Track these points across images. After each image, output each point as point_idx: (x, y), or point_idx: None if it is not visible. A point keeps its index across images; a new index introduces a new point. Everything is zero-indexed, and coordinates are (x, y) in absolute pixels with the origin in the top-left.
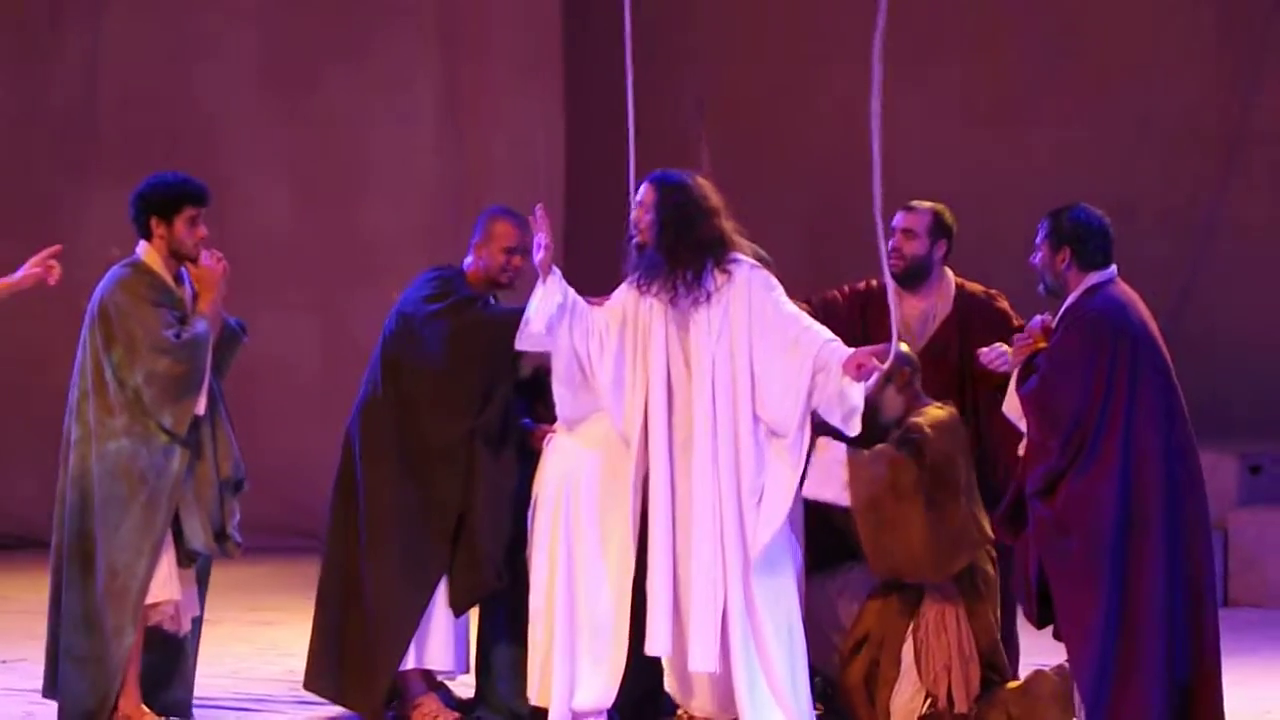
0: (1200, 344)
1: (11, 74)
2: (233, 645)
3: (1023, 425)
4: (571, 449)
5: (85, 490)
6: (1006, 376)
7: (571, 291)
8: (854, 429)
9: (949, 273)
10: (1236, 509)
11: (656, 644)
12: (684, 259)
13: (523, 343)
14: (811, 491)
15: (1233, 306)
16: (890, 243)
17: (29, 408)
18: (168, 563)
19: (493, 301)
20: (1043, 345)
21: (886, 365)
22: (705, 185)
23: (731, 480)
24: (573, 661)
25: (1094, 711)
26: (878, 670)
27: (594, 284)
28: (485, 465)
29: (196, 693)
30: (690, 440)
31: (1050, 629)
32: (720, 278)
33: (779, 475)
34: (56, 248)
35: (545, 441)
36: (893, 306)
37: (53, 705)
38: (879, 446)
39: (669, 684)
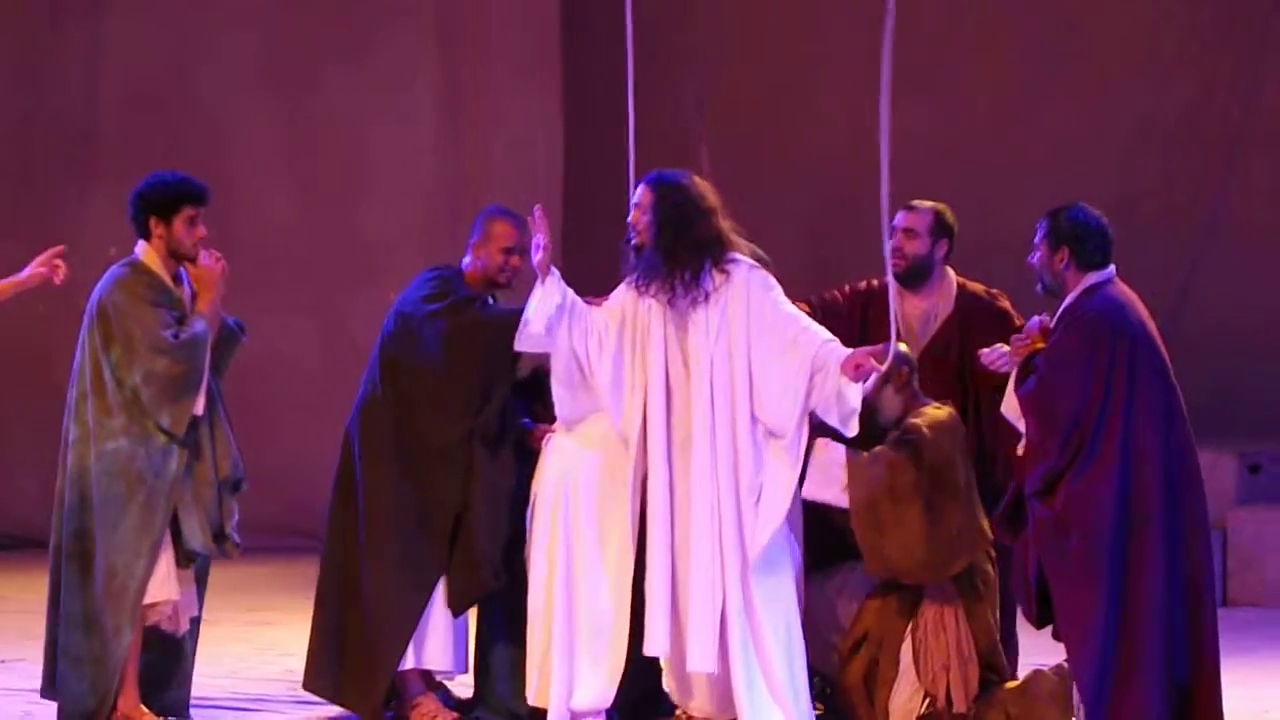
0: (1199, 343)
1: (11, 74)
2: (231, 645)
3: (1021, 426)
4: (570, 449)
5: (84, 490)
6: (1007, 376)
7: (570, 292)
8: (852, 430)
9: (950, 272)
10: (1235, 508)
11: (655, 644)
12: (682, 259)
13: (522, 343)
14: (811, 492)
15: (1232, 306)
16: (891, 242)
17: (28, 407)
18: (166, 563)
19: (491, 302)
20: (1041, 346)
21: (885, 367)
22: (702, 185)
23: (730, 480)
24: (571, 661)
25: (1093, 711)
26: (876, 670)
27: (593, 284)
28: (483, 465)
29: (195, 693)
30: (689, 440)
31: (1049, 629)
32: (718, 278)
33: (777, 475)
34: (61, 247)
35: (544, 441)
36: (893, 306)
37: (52, 705)
38: (877, 448)
39: (667, 684)
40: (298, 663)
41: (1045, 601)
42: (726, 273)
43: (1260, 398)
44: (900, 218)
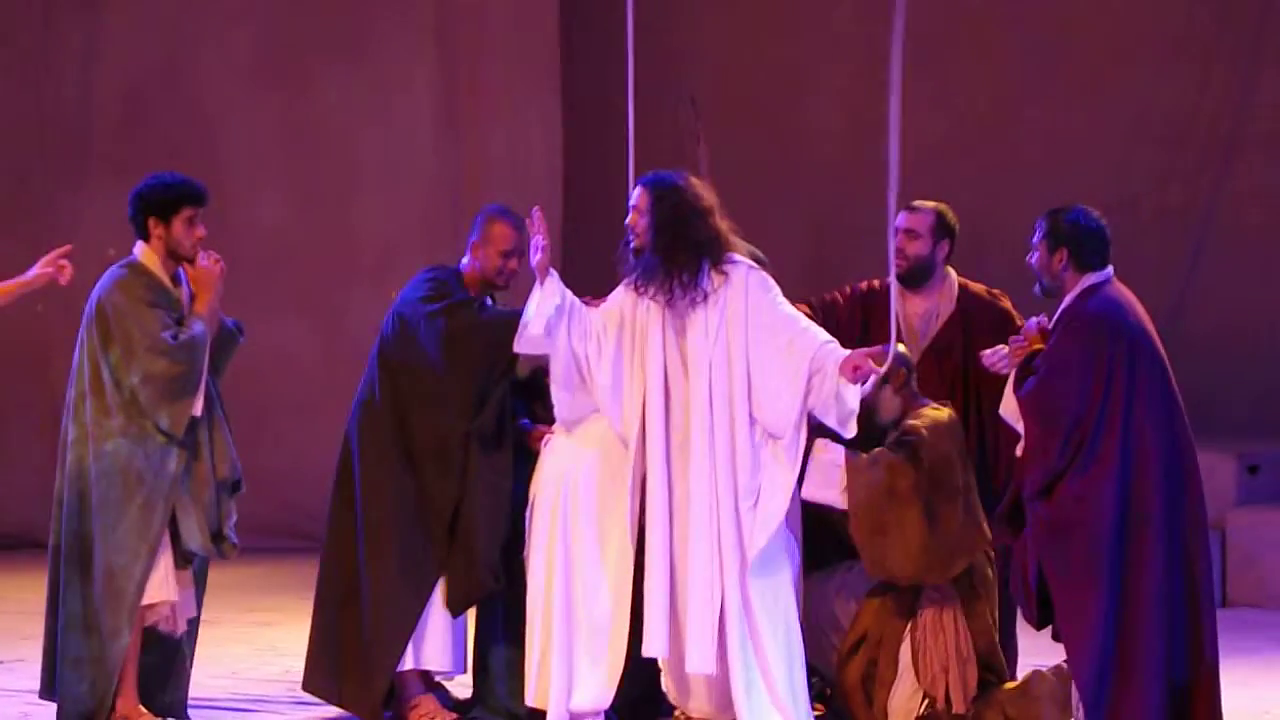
0: (1198, 344)
1: (6, 74)
2: (231, 646)
3: (1020, 427)
4: (569, 449)
5: (82, 491)
6: (1008, 377)
7: (569, 293)
8: (850, 431)
9: (952, 272)
10: (1234, 509)
11: (653, 645)
12: (680, 260)
13: (521, 345)
14: (810, 493)
15: (1230, 306)
16: (893, 243)
17: (27, 408)
18: (165, 564)
19: (489, 303)
20: (1039, 347)
21: (884, 368)
22: (698, 185)
23: (729, 481)
24: (570, 662)
25: (1093, 711)
26: (875, 670)
27: (592, 283)
28: (481, 466)
29: (195, 693)
30: (687, 441)
31: (1049, 629)
32: (717, 279)
33: (776, 476)
34: (67, 247)
35: (543, 442)
36: (894, 307)
37: (51, 706)
38: (876, 450)
39: (666, 686)
40: (297, 663)
41: (1045, 602)
42: (725, 273)
43: (1259, 398)
44: (901, 218)
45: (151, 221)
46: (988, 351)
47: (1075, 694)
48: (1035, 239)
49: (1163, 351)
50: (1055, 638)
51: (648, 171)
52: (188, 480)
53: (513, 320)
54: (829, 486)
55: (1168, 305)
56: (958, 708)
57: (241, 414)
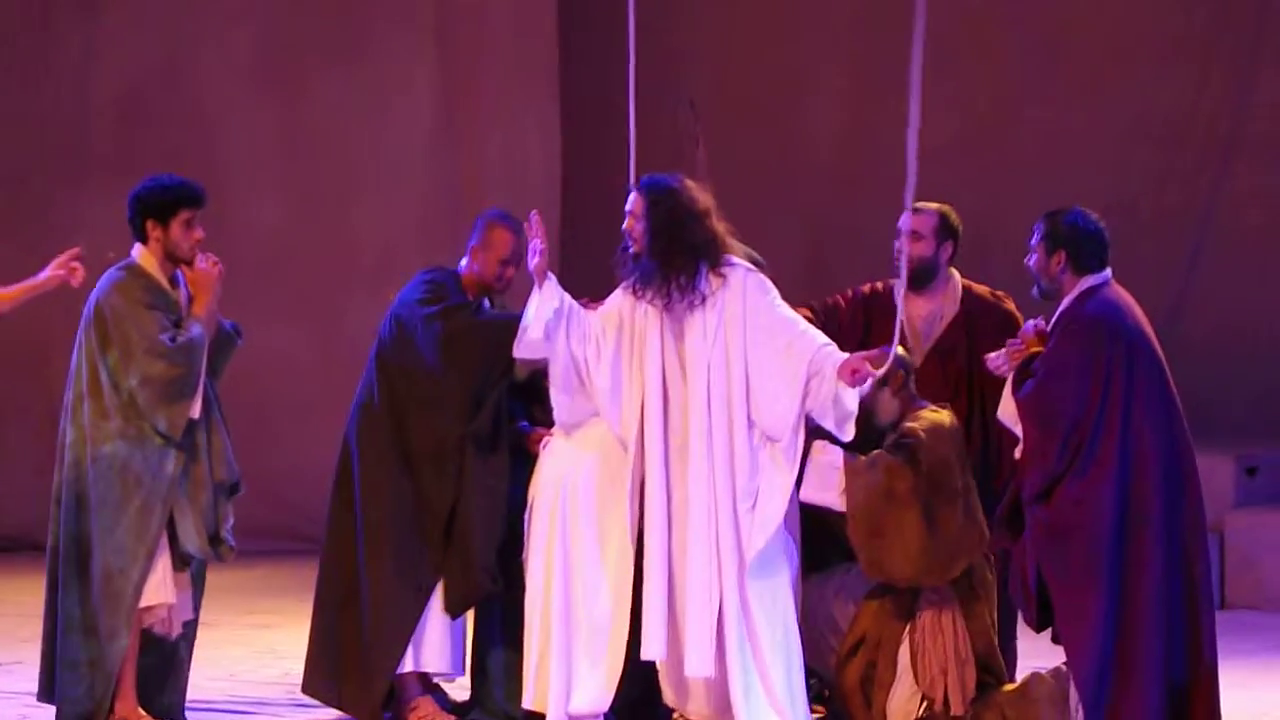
0: (1196, 345)
1: (6, 75)
2: (229, 648)
3: (1018, 430)
4: (568, 452)
5: (80, 493)
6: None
7: (567, 297)
8: (848, 434)
9: (955, 274)
10: (1233, 511)
11: (651, 649)
12: (677, 264)
13: (520, 350)
14: (808, 495)
15: (1229, 308)
16: (896, 244)
17: (25, 410)
18: (163, 566)
19: (487, 305)
20: (1037, 350)
21: (882, 371)
22: (694, 188)
23: (727, 484)
24: (569, 665)
25: (1093, 712)
26: (874, 672)
27: (590, 286)
28: (477, 469)
29: (193, 696)
30: (686, 445)
31: (1049, 632)
32: (715, 281)
33: (774, 479)
34: (78, 249)
35: (541, 445)
36: (899, 309)
37: (49, 709)
38: (875, 453)
39: (664, 689)
40: (296, 666)
41: (1045, 605)
42: (723, 276)
43: (1257, 400)
44: (904, 220)
45: (149, 224)
46: (993, 355)
47: (1074, 696)
48: (1033, 241)
49: (1161, 354)
50: (1055, 640)
51: (650, 171)
52: (185, 482)
53: (510, 323)
54: (827, 489)
55: (1166, 306)
56: (956, 710)
57: (240, 416)
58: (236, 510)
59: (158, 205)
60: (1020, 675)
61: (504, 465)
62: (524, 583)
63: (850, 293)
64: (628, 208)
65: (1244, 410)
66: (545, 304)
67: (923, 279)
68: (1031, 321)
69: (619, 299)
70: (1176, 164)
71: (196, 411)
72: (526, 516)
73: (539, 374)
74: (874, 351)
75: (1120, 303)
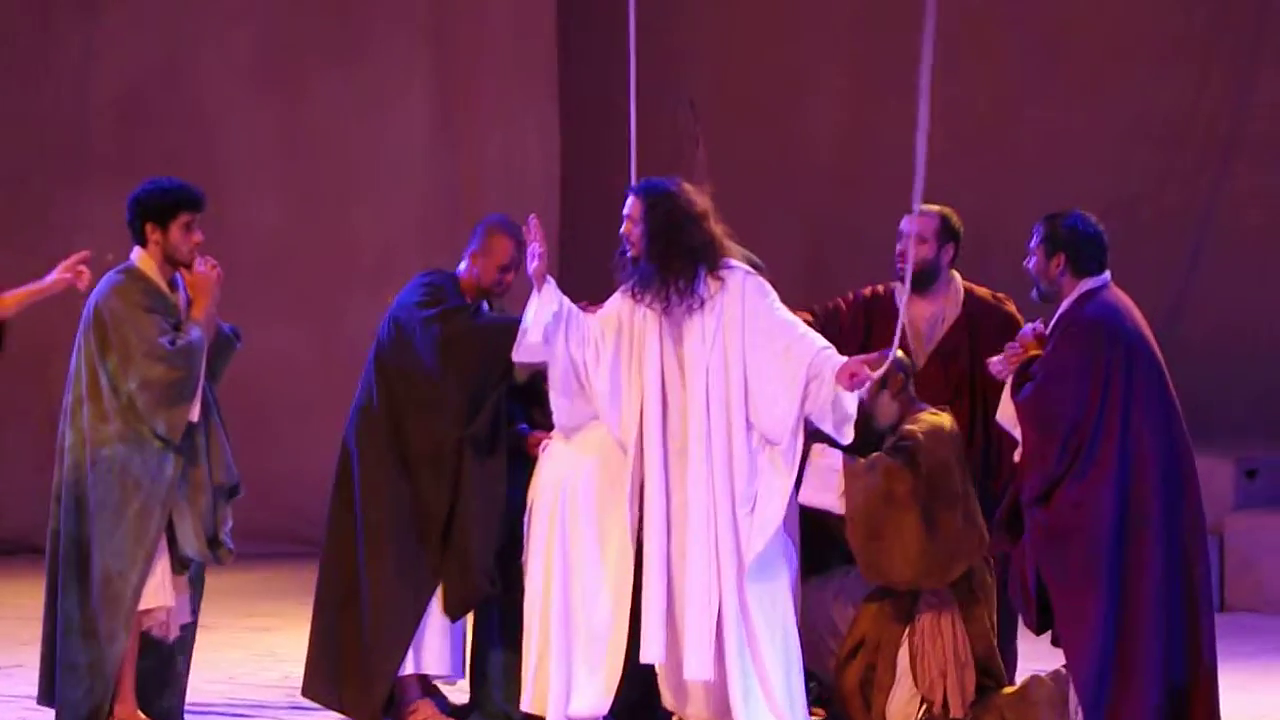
0: (1195, 347)
1: (5, 77)
2: (229, 651)
3: (1017, 432)
4: (568, 455)
5: (80, 496)
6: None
7: (566, 300)
8: (847, 437)
9: (957, 276)
10: (1232, 513)
11: (650, 652)
12: (675, 267)
13: (520, 354)
14: (807, 497)
15: (1228, 310)
16: (898, 247)
17: (25, 412)
18: (161, 569)
19: (485, 308)
20: (1036, 352)
21: (879, 373)
22: (691, 190)
23: (726, 487)
24: (569, 668)
25: (1092, 714)
26: (873, 675)
27: (589, 290)
28: (475, 472)
29: (193, 699)
30: (685, 448)
31: (1048, 634)
32: (714, 284)
33: (772, 482)
34: (86, 253)
35: (541, 448)
36: (901, 312)
37: (48, 712)
38: (874, 455)
39: (664, 692)
40: (296, 669)
41: (1045, 607)
42: (722, 279)
43: (1257, 402)
44: (906, 222)
45: (149, 227)
46: (995, 359)
47: (1074, 698)
48: (1033, 244)
49: (1160, 356)
50: (1055, 643)
51: (650, 173)
52: (184, 485)
53: (509, 326)
54: (826, 491)
55: (1166, 307)
56: (955, 712)
57: (240, 419)
58: (236, 513)
59: (157, 208)
60: (1020, 678)
61: (502, 468)
62: (523, 585)
63: (851, 296)
64: (625, 212)
65: (1244, 412)
66: (544, 307)
67: (925, 281)
68: (1030, 325)
69: (618, 302)
70: (1176, 164)
71: (195, 415)
72: (526, 519)
73: (538, 377)
74: (873, 355)
75: (1119, 305)
